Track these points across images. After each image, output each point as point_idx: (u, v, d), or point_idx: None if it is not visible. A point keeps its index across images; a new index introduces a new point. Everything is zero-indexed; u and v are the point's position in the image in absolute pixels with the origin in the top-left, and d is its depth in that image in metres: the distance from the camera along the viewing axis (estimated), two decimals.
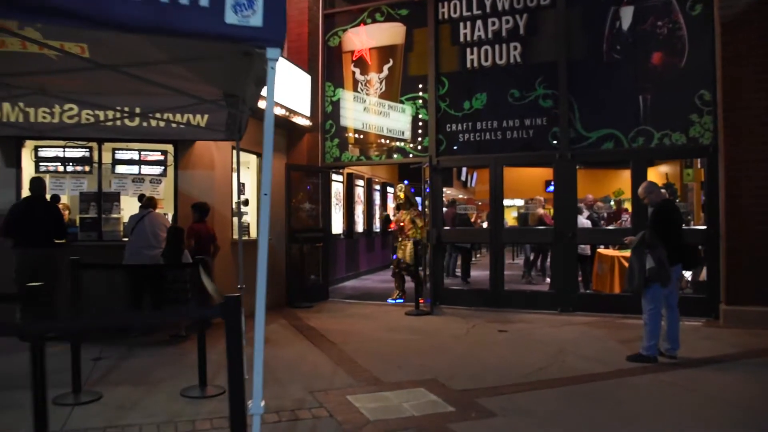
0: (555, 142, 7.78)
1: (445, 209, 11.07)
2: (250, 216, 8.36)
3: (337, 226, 10.87)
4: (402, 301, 8.47)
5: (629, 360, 5.10)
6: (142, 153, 7.23)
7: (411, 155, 8.64)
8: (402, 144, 8.69)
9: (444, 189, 19.21)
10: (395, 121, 8.74)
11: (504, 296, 7.96)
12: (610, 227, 9.42)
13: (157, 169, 7.29)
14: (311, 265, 8.98)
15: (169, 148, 7.15)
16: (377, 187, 13.54)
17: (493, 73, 8.17)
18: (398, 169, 15.82)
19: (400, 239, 8.33)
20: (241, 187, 8.22)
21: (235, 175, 7.90)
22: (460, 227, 9.86)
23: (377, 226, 13.48)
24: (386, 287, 10.56)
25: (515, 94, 8.00)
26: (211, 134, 4.52)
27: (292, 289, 8.55)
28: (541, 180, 25.80)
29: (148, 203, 6.50)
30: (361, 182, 12.26)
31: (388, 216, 12.23)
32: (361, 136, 8.98)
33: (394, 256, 8.53)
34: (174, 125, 4.49)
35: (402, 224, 8.24)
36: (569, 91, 7.69)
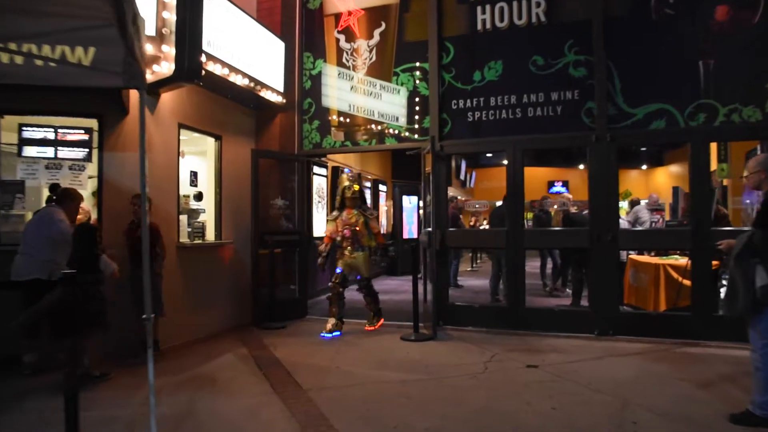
0: (590, 120, 6.17)
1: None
2: (207, 214, 6.67)
3: (320, 228, 9.19)
4: (339, 334, 6.23)
5: (735, 422, 3.46)
6: (60, 131, 5.54)
7: (408, 140, 7.00)
8: (396, 126, 7.04)
9: None
10: (389, 99, 7.10)
11: (525, 315, 6.31)
12: (656, 228, 7.79)
13: (78, 152, 5.59)
14: (285, 275, 7.30)
15: (94, 124, 5.47)
16: (367, 184, 11.88)
17: (510, 36, 6.57)
18: (391, 163, 14.17)
19: (347, 248, 6.33)
20: (193, 178, 6.54)
21: (187, 161, 6.29)
22: (465, 229, 8.21)
23: None
24: (380, 301, 8.89)
25: (539, 62, 6.39)
26: (102, 78, 2.87)
27: (260, 306, 6.86)
28: (543, 181, 24.41)
29: (61, 196, 4.81)
30: None
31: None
32: (347, 119, 7.32)
33: (338, 269, 6.38)
34: (39, 62, 2.84)
35: (356, 228, 6.30)
36: (608, 56, 6.09)
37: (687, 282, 6.28)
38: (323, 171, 9.40)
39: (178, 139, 5.89)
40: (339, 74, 7.34)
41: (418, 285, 6.23)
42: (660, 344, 5.61)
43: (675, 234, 6.40)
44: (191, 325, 5.96)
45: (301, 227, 7.45)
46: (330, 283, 6.52)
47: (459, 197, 17.19)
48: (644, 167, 23.81)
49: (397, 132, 7.03)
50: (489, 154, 22.12)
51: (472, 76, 6.65)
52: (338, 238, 6.37)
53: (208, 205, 6.63)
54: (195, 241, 6.20)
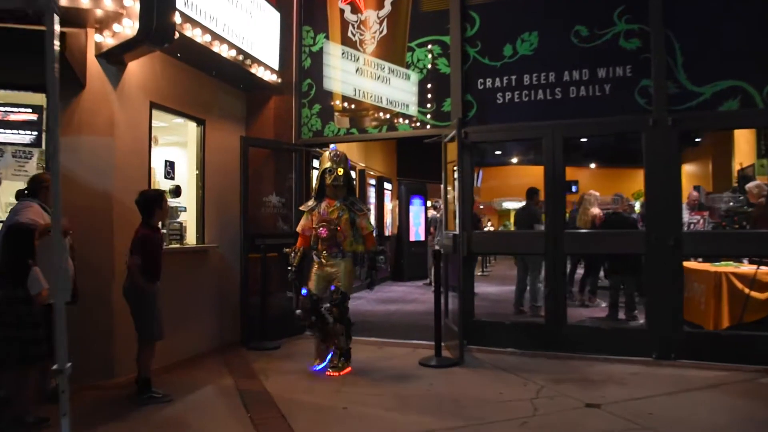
0: (645, 101, 5.15)
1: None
2: (188, 213, 5.62)
3: None
4: (331, 354, 4.82)
5: None
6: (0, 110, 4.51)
7: (425, 126, 5.97)
8: (409, 113, 6.00)
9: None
10: (400, 83, 6.07)
11: (568, 334, 5.27)
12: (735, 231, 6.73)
13: (25, 136, 4.55)
14: (280, 284, 6.23)
15: (43, 100, 4.43)
16: (372, 181, 10.86)
17: (547, 2, 5.56)
18: (397, 159, 13.11)
19: (323, 254, 4.74)
20: (169, 169, 5.50)
21: (163, 150, 5.23)
22: (494, 231, 7.15)
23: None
24: (388, 312, 7.90)
25: (582, 33, 5.37)
26: None
27: (250, 321, 5.81)
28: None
29: (32, 186, 3.77)
30: (352, 174, 9.55)
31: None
32: (352, 104, 6.28)
33: (304, 291, 4.77)
34: None
35: (337, 228, 4.70)
36: (666, 24, 5.08)
37: (757, 294, 5.27)
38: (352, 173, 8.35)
39: (150, 121, 4.84)
40: (343, 51, 6.30)
41: (440, 298, 5.18)
42: (737, 372, 4.58)
43: (761, 238, 5.06)
44: (165, 347, 4.88)
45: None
46: (297, 312, 4.87)
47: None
48: None
49: (411, 119, 6.00)
50: (498, 152, 21.19)
51: (501, 50, 5.63)
52: (311, 239, 4.82)
53: (188, 202, 5.57)
54: (172, 245, 5.14)
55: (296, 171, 6.41)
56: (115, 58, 4.35)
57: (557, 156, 5.37)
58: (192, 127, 5.64)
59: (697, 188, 8.44)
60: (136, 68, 4.65)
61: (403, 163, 13.02)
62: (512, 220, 11.03)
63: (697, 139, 13.61)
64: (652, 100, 5.10)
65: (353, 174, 9.63)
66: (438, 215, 10.80)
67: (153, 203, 4.08)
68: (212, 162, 5.70)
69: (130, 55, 4.37)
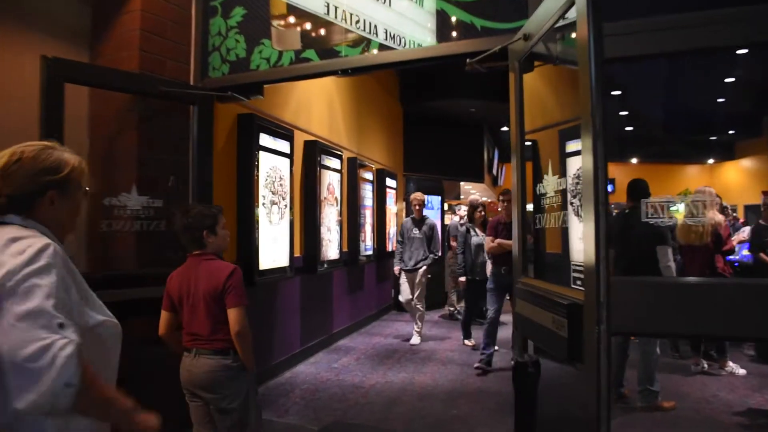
0: None
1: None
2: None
3: (280, 252, 4.88)
4: None
5: None
6: None
7: (462, 31, 2.71)
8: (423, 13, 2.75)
9: (465, 185, 13.24)
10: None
11: None
12: None
13: None
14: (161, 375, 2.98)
15: None
16: (368, 175, 7.60)
17: None
18: (403, 146, 9.74)
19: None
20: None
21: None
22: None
23: (369, 245, 7.51)
24: (388, 388, 4.46)
25: None
26: None
27: None
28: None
29: None
30: (335, 162, 6.29)
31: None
32: (310, 20, 3.05)
33: None
34: None
35: None
36: None
37: None
38: (286, 146, 5.08)
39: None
40: None
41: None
42: None
43: None
44: None
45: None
46: None
47: (484, 198, 12.67)
48: (710, 161, 19.42)
49: (427, 28, 2.75)
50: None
51: None
52: None
53: None
54: None
55: (196, 144, 3.16)
56: None
57: None
58: None
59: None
60: None
61: (413, 152, 9.72)
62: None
63: None
64: None
65: (337, 163, 6.37)
66: (460, 222, 7.58)
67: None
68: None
69: None
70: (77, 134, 2.96)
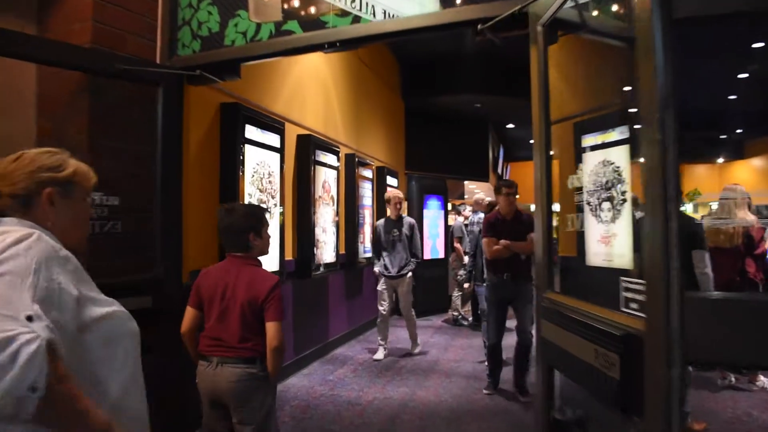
0: None
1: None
2: None
3: (269, 256, 4.44)
4: None
5: None
6: None
7: None
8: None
9: (469, 184, 12.73)
10: None
11: None
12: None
13: None
14: None
15: None
16: (367, 173, 7.16)
17: None
18: (405, 142, 9.30)
19: None
20: None
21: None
22: None
23: (368, 247, 7.07)
24: (387, 404, 4.04)
25: None
26: None
27: None
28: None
29: None
30: (331, 159, 5.85)
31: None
32: None
33: None
34: None
35: None
36: None
37: None
38: (275, 139, 4.64)
39: None
40: None
41: None
42: None
43: None
44: None
45: (171, 262, 2.70)
46: None
47: (489, 198, 12.08)
48: (720, 160, 18.92)
49: None
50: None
51: None
52: None
53: None
54: None
55: (162, 132, 2.72)
56: None
57: None
58: None
59: None
60: None
61: (415, 149, 9.29)
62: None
63: None
64: None
65: (334, 159, 5.93)
66: (466, 222, 7.14)
67: None
68: None
69: None
70: (25, 118, 2.54)
